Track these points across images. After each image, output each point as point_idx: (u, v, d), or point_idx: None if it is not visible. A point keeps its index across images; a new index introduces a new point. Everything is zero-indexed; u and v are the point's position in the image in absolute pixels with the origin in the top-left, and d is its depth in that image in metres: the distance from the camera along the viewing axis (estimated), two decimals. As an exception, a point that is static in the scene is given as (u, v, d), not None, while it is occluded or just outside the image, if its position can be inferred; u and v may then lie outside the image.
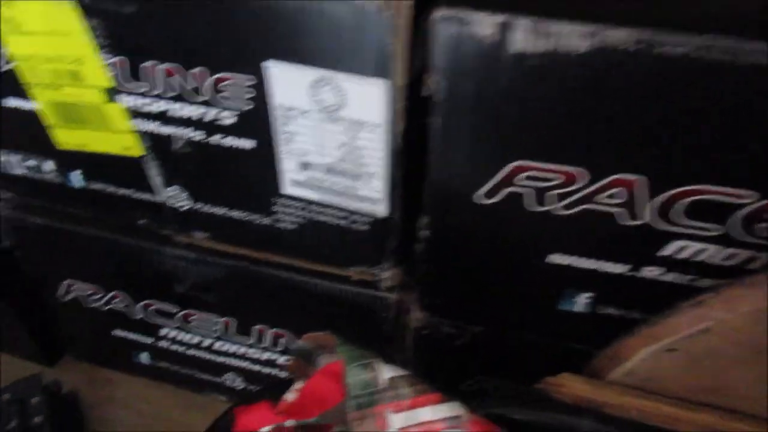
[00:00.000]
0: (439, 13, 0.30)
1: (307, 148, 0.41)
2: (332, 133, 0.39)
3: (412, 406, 0.32)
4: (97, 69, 0.41)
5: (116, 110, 0.43)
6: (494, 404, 0.38)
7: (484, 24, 0.29)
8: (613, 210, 0.35)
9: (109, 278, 0.57)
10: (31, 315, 0.65)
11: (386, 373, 0.33)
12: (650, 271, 0.38)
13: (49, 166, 0.50)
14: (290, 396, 0.34)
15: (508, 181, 0.35)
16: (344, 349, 0.34)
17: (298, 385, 0.35)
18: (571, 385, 0.38)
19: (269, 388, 0.36)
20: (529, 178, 0.35)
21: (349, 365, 0.33)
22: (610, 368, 0.38)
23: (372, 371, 0.33)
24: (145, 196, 0.49)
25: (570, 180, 0.35)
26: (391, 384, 0.33)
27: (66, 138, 0.47)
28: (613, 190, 0.34)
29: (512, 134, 0.33)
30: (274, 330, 0.55)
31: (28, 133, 0.47)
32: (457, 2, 0.30)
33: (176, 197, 0.48)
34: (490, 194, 0.36)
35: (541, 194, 0.36)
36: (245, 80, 0.38)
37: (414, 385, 0.33)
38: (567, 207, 0.36)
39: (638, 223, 0.36)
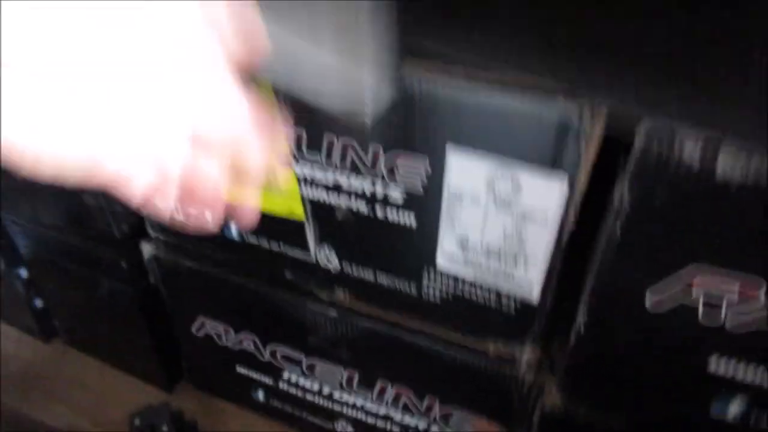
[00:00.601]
0: (645, 127, 0.31)
1: (470, 230, 0.42)
2: (499, 221, 0.40)
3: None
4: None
5: (288, 176, 0.46)
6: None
7: (693, 145, 0.30)
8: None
9: (245, 321, 0.60)
10: (162, 343, 0.69)
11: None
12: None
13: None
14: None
15: (681, 291, 0.36)
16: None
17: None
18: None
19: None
20: (705, 291, 0.35)
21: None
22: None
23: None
24: (297, 253, 0.51)
25: (748, 296, 0.34)
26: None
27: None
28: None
29: (697, 248, 0.34)
30: (397, 388, 0.56)
31: (197, 186, 0.51)
32: (664, 116, 0.30)
33: (327, 258, 0.50)
34: (659, 301, 0.37)
35: (715, 307, 0.36)
36: (421, 162, 0.40)
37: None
38: (740, 321, 0.36)
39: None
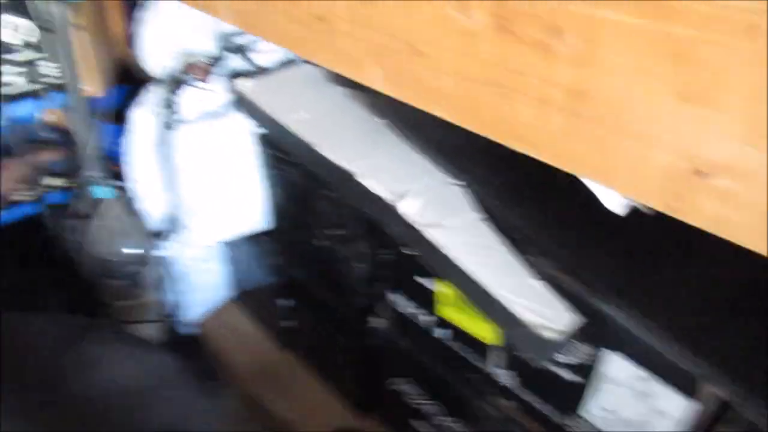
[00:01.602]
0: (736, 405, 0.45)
1: (613, 403, 0.58)
2: (634, 406, 0.56)
3: None
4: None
5: (490, 319, 0.65)
6: None
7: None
8: None
9: (429, 392, 0.81)
10: (364, 383, 0.92)
11: None
12: None
13: (426, 319, 0.74)
14: None
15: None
16: None
17: None
18: None
19: None
20: None
21: None
22: None
23: None
24: (480, 363, 0.70)
25: None
26: None
27: (448, 313, 0.71)
28: None
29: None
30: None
31: (423, 297, 0.72)
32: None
33: (501, 375, 0.69)
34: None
35: None
36: (588, 352, 0.57)
37: None
38: None
39: None
